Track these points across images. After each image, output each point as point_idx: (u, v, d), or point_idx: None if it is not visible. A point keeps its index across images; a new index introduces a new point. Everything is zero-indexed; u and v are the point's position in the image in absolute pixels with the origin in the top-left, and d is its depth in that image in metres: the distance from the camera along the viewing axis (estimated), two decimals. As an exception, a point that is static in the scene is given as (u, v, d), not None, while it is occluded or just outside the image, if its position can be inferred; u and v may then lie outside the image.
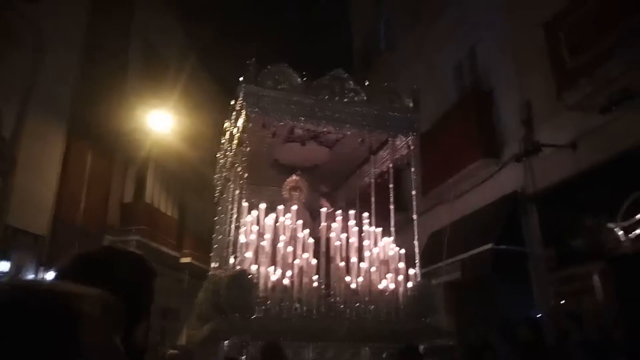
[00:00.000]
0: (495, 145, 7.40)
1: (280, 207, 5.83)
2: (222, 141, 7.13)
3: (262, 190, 7.31)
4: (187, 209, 16.23)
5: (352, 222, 5.74)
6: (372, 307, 5.01)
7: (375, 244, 5.61)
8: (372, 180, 6.81)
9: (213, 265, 6.86)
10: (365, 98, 5.71)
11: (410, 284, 5.22)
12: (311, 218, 6.29)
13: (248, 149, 5.41)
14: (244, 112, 5.38)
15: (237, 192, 5.50)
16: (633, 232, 4.94)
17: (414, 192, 5.72)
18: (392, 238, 5.79)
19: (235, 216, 5.44)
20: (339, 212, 5.91)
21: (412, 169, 5.79)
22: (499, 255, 6.41)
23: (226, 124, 6.72)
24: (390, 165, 6.46)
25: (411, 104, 5.91)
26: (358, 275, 5.16)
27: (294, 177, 6.98)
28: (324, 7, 15.64)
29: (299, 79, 5.50)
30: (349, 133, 6.12)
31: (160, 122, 12.51)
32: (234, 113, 6.06)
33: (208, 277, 5.40)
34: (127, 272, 0.99)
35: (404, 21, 11.14)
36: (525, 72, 6.79)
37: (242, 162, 5.40)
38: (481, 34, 8.22)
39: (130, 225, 12.43)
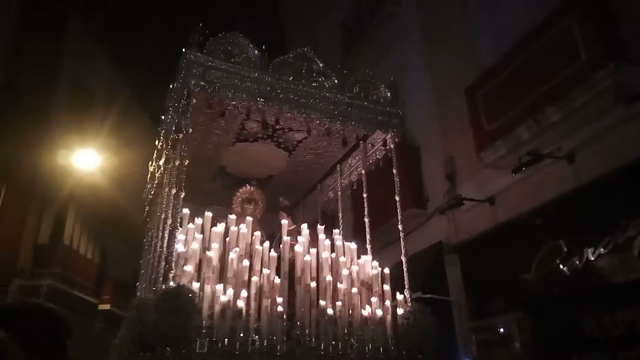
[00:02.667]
0: (422, 197, 7.59)
1: (232, 216, 4.55)
2: (157, 143, 5.79)
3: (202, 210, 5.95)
4: (110, 253, 14.79)
5: (322, 236, 4.54)
6: (355, 339, 3.74)
7: (353, 262, 4.41)
8: (339, 191, 5.72)
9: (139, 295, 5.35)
10: (336, 82, 4.68)
11: (400, 311, 4.02)
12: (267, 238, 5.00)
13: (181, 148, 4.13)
14: (185, 91, 4.16)
15: (174, 191, 4.15)
16: (544, 283, 5.29)
17: (397, 198, 4.63)
18: (370, 256, 4.63)
19: (170, 222, 4.08)
20: (304, 225, 4.70)
21: (395, 171, 4.73)
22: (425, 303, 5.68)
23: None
24: (363, 171, 5.39)
25: (389, 96, 4.92)
26: (335, 299, 3.91)
27: (247, 187, 5.73)
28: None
29: (256, 52, 4.40)
30: (313, 130, 5.04)
31: (86, 160, 11.62)
32: (170, 106, 4.84)
33: (131, 303, 3.96)
34: (37, 330, 0.96)
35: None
36: (449, 131, 7.31)
37: (183, 158, 4.09)
38: (410, 92, 8.07)
39: (44, 268, 11.47)
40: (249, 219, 4.47)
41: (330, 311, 3.71)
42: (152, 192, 5.96)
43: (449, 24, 7.70)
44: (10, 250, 10.79)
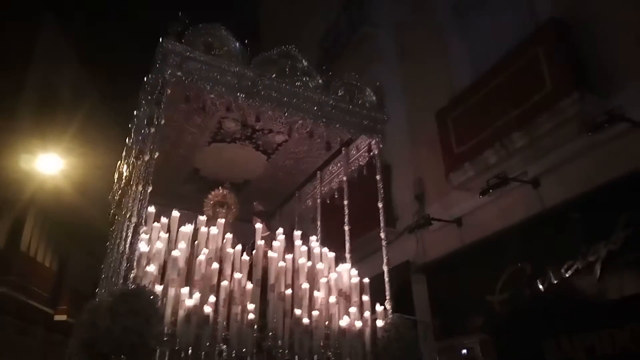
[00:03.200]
0: (392, 215, 7.35)
1: (202, 217, 4.25)
2: (127, 141, 5.46)
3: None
4: (70, 262, 14.14)
5: (298, 243, 4.27)
6: (331, 352, 3.45)
7: (330, 270, 4.15)
8: (318, 198, 5.49)
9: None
10: (320, 82, 4.47)
11: (380, 323, 3.76)
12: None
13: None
14: (160, 81, 3.89)
15: (141, 187, 3.84)
16: (508, 305, 5.34)
17: (380, 205, 4.41)
18: (348, 265, 4.38)
19: (134, 220, 3.76)
20: (279, 230, 4.42)
21: (378, 177, 4.52)
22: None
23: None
24: (344, 178, 5.17)
25: (374, 100, 4.74)
26: (311, 309, 3.63)
27: (220, 190, 5.43)
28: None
29: (238, 45, 4.17)
30: (295, 132, 4.81)
31: (49, 165, 11.15)
32: (143, 99, 4.55)
33: (84, 307, 3.59)
34: None
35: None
36: (420, 152, 7.37)
37: (153, 151, 3.78)
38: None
39: None
40: (221, 221, 4.18)
41: (306, 321, 3.42)
42: (118, 193, 5.61)
43: (425, 47, 7.80)
44: None
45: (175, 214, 4.16)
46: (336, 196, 5.40)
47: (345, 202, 4.99)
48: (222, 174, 5.67)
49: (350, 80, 4.71)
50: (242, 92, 4.08)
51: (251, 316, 3.32)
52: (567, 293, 4.73)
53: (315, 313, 3.55)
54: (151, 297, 2.91)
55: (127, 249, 3.61)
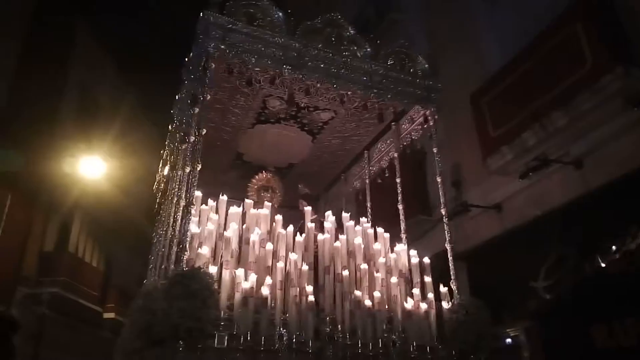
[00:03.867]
0: (428, 204, 7.03)
1: (249, 201, 4.06)
2: (170, 127, 5.34)
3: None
4: (115, 261, 14.62)
5: (350, 223, 4.03)
6: (396, 336, 3.20)
7: (387, 251, 3.89)
8: (367, 179, 5.23)
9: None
10: (369, 51, 4.19)
11: (446, 305, 3.48)
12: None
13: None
14: (204, 55, 3.70)
15: (188, 169, 3.67)
16: (553, 290, 5.05)
17: (439, 179, 4.11)
18: (404, 245, 4.11)
19: (183, 203, 3.60)
20: (328, 212, 4.18)
21: (435, 150, 4.22)
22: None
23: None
24: (396, 155, 4.89)
25: (427, 68, 4.43)
26: (371, 289, 3.38)
27: (264, 174, 5.25)
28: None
29: (281, 15, 3.93)
30: (342, 109, 4.58)
31: (92, 168, 11.62)
32: (185, 79, 4.40)
33: (138, 291, 3.47)
34: None
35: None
36: (455, 137, 6.87)
37: (200, 129, 3.60)
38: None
39: (49, 276, 11.22)
40: (268, 204, 3.98)
41: (367, 303, 3.17)
42: (163, 182, 5.50)
43: (454, 30, 7.43)
44: (15, 258, 10.54)
45: (223, 197, 3.99)
46: (387, 175, 5.11)
47: (398, 180, 4.72)
48: (266, 158, 5.49)
49: (400, 47, 4.40)
50: (288, 65, 3.84)
51: (311, 298, 3.09)
52: (617, 277, 4.43)
53: (376, 294, 3.29)
54: (207, 278, 2.72)
55: (177, 232, 3.46)
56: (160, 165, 5.75)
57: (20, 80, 10.59)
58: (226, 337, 2.78)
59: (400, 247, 3.92)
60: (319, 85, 4.02)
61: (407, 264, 3.78)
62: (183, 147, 4.35)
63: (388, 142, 5.12)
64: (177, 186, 4.22)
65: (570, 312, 4.83)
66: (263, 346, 2.83)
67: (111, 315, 12.94)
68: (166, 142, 5.44)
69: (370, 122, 4.92)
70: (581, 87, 4.82)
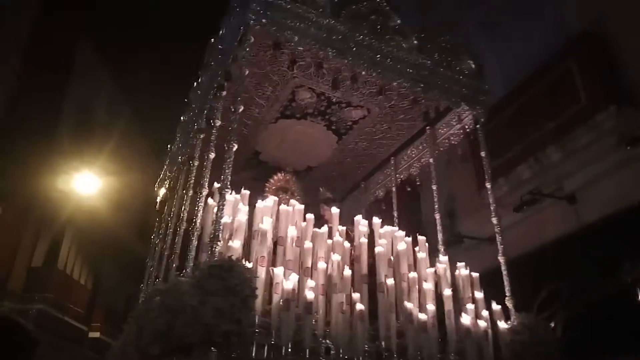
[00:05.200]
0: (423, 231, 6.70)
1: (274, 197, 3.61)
2: (182, 118, 4.91)
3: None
4: (104, 280, 14.30)
5: (388, 228, 3.60)
6: (453, 356, 2.74)
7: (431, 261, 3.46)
8: (393, 187, 4.83)
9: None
10: (415, 43, 3.84)
11: (503, 324, 3.04)
12: None
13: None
14: (241, 31, 3.30)
15: (213, 155, 3.25)
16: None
17: (488, 185, 3.73)
18: (446, 257, 3.68)
19: (205, 192, 3.16)
20: (358, 217, 3.74)
21: (483, 154, 3.86)
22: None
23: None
24: (431, 160, 4.51)
25: (473, 68, 4.09)
26: (421, 302, 2.94)
27: (282, 174, 4.82)
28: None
29: (326, -3, 3.56)
30: (375, 107, 4.22)
31: (85, 184, 11.47)
32: (211, 61, 4.01)
33: (149, 291, 2.98)
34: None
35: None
36: (451, 167, 6.56)
37: (238, 103, 3.16)
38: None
39: (36, 292, 10.98)
40: (294, 202, 3.53)
41: (422, 316, 2.72)
42: (169, 177, 5.03)
43: None
44: (2, 272, 10.19)
45: (245, 191, 3.54)
46: (418, 183, 4.73)
47: (434, 187, 4.31)
48: (284, 159, 5.07)
49: (445, 43, 4.06)
50: (332, 48, 3.45)
51: (359, 307, 2.63)
52: (608, 314, 4.37)
53: (430, 307, 2.85)
54: (248, 273, 2.25)
55: (198, 223, 3.00)
56: (167, 160, 5.30)
57: (19, 92, 10.40)
58: (266, 347, 2.28)
59: (443, 259, 3.48)
60: (363, 73, 3.61)
61: (454, 277, 3.34)
62: (202, 136, 3.92)
63: (420, 147, 4.74)
64: (193, 177, 3.80)
65: (565, 347, 4.54)
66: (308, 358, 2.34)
67: (96, 334, 12.56)
68: (177, 136, 5.01)
69: (404, 124, 4.57)
70: (576, 123, 4.97)
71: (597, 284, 4.50)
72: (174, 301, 2.30)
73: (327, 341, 2.48)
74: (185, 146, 4.43)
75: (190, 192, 3.78)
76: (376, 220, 3.68)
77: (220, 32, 3.81)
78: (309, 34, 3.41)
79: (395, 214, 4.72)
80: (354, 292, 2.75)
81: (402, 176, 4.92)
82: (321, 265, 2.77)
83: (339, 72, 3.60)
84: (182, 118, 4.93)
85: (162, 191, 5.29)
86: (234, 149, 2.87)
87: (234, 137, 2.89)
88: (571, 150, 5.07)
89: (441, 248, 3.94)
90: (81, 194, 11.40)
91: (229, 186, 2.76)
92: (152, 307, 2.47)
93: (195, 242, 2.96)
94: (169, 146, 5.34)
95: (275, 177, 4.82)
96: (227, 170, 2.77)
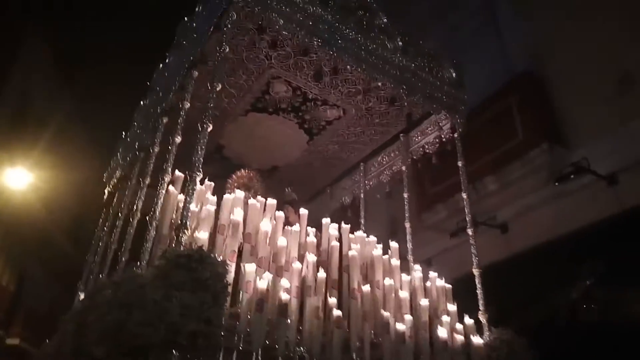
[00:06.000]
0: None
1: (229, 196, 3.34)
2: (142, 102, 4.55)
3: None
4: (28, 281, 13.00)
5: (361, 233, 3.41)
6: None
7: (403, 269, 3.29)
8: (361, 193, 4.67)
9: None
10: (401, 45, 3.72)
11: (477, 339, 2.90)
12: None
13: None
14: (222, 9, 3.05)
15: (178, 140, 2.97)
16: None
17: (464, 195, 3.63)
18: (418, 266, 3.53)
19: (168, 179, 2.86)
20: (326, 220, 3.52)
21: (460, 164, 3.77)
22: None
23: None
24: (403, 168, 4.39)
25: (454, 77, 4.02)
26: (398, 311, 2.75)
27: (244, 171, 4.53)
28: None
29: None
30: (352, 108, 4.06)
31: (17, 179, 10.51)
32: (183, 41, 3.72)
33: (94, 286, 2.61)
34: None
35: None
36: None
37: (217, 82, 2.89)
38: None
39: None
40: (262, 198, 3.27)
41: (400, 327, 2.53)
42: (120, 166, 4.64)
43: None
44: None
45: (209, 182, 3.25)
46: (387, 190, 4.59)
47: (406, 195, 4.19)
48: (249, 156, 4.79)
49: (429, 49, 3.97)
50: (318, 37, 3.26)
51: (336, 313, 2.40)
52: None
53: (408, 318, 2.66)
54: (221, 266, 1.98)
55: (157, 212, 2.69)
56: (120, 150, 4.89)
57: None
58: (235, 353, 2.01)
59: (417, 267, 3.33)
60: (348, 67, 3.43)
61: (428, 287, 3.18)
62: (165, 120, 3.61)
63: (392, 155, 4.61)
64: (151, 165, 3.47)
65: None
66: (280, 370, 2.08)
67: (15, 341, 11.40)
68: (135, 122, 4.63)
69: (378, 129, 4.44)
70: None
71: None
72: (130, 295, 1.98)
73: (302, 348, 2.23)
74: (145, 132, 4.08)
75: (148, 180, 3.46)
76: (344, 225, 3.47)
77: (197, 9, 3.52)
78: (294, 20, 3.20)
79: (362, 221, 4.54)
80: (332, 295, 2.51)
81: (371, 183, 4.76)
82: (296, 265, 2.52)
83: (321, 64, 3.38)
84: (142, 102, 4.57)
85: (112, 182, 4.88)
86: (209, 129, 2.58)
87: (209, 117, 2.61)
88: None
89: (410, 257, 3.78)
90: (12, 188, 10.49)
91: (200, 169, 2.47)
92: (99, 301, 2.14)
93: (153, 233, 2.65)
94: (123, 133, 4.94)
95: (239, 174, 4.51)
96: (199, 152, 2.48)
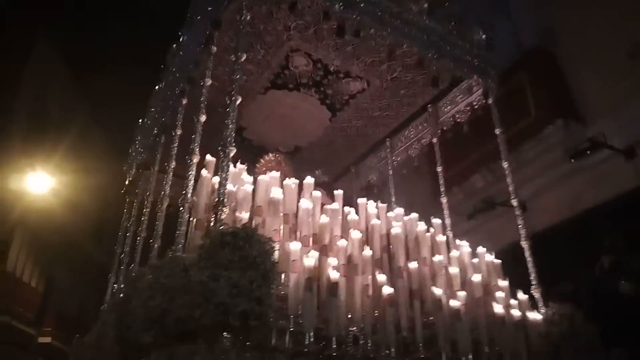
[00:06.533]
0: None
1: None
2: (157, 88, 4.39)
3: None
4: (55, 283, 13.40)
5: (399, 210, 3.21)
6: (488, 347, 2.39)
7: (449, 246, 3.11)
8: (390, 169, 4.48)
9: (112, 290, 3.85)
10: (426, 7, 3.49)
11: (535, 315, 2.72)
12: None
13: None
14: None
15: (203, 117, 2.80)
16: None
17: (505, 164, 3.42)
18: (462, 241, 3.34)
19: (196, 160, 2.69)
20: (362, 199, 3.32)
21: (498, 131, 3.56)
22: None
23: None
24: (434, 140, 4.18)
25: (483, 40, 3.79)
26: (451, 287, 2.57)
27: (272, 155, 4.36)
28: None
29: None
30: (376, 79, 3.85)
31: (38, 183, 10.73)
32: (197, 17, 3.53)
33: (137, 271, 2.46)
34: None
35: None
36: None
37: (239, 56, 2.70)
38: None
39: None
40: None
41: (454, 303, 2.35)
42: (141, 153, 4.49)
43: None
44: None
45: (243, 165, 3.07)
46: (415, 164, 4.40)
47: (439, 169, 3.99)
48: (271, 137, 4.61)
49: (455, 12, 3.74)
50: (340, 1, 3.04)
51: (387, 290, 2.23)
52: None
53: (461, 294, 2.48)
54: (268, 243, 1.81)
55: (189, 195, 2.53)
56: (138, 137, 4.74)
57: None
58: (287, 334, 1.84)
59: (462, 243, 3.14)
60: (372, 31, 3.20)
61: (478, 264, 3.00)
62: (184, 102, 3.44)
63: (420, 127, 4.40)
64: (175, 149, 3.31)
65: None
66: (335, 351, 1.91)
67: (47, 339, 11.63)
68: (152, 109, 4.47)
69: (404, 100, 4.22)
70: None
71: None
72: (173, 279, 1.83)
73: (355, 329, 2.06)
74: (164, 115, 3.91)
75: (173, 164, 3.30)
76: (380, 204, 3.28)
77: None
78: (314, -19, 2.99)
79: (393, 199, 4.35)
80: (381, 273, 2.33)
81: (399, 158, 4.56)
82: (341, 243, 2.35)
83: (344, 22, 3.14)
84: (156, 87, 4.40)
85: (132, 171, 4.74)
86: (238, 101, 2.40)
87: (238, 89, 2.43)
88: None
89: (449, 234, 3.59)
90: (34, 193, 10.69)
91: (233, 144, 2.29)
92: (141, 287, 1.98)
93: (186, 217, 2.49)
94: (140, 120, 4.79)
95: (267, 158, 4.35)
96: (230, 126, 2.30)
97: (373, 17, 3.21)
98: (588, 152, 4.54)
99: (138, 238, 3.66)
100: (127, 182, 4.75)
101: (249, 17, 2.74)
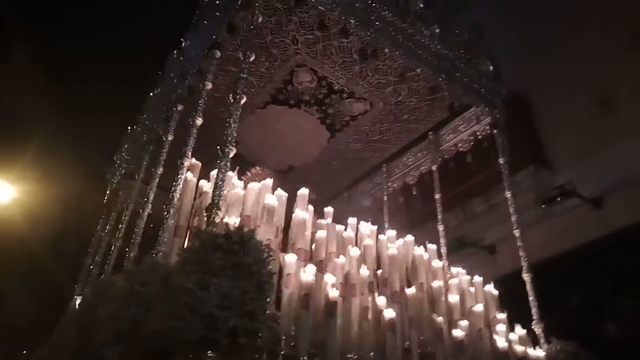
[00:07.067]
0: None
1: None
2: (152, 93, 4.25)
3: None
4: (4, 297, 12.60)
5: (391, 233, 3.06)
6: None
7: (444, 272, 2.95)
8: (385, 195, 4.35)
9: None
10: (438, 32, 3.45)
11: (537, 352, 2.55)
12: None
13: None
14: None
15: (199, 121, 2.68)
16: None
17: (508, 194, 3.32)
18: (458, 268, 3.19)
19: (187, 163, 2.55)
20: (352, 219, 3.17)
21: (501, 161, 3.46)
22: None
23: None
24: (434, 167, 4.08)
25: (490, 69, 3.75)
26: (451, 316, 2.40)
27: (259, 169, 4.22)
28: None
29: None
30: (380, 102, 3.78)
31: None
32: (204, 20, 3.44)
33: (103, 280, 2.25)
34: None
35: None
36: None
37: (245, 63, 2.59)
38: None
39: None
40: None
41: (457, 333, 2.18)
42: (127, 159, 4.32)
43: None
44: None
45: (230, 172, 2.92)
46: (414, 193, 4.28)
47: (437, 197, 3.87)
48: (265, 154, 4.46)
49: (464, 39, 3.70)
50: (356, 17, 2.98)
51: (388, 314, 2.05)
52: None
53: (463, 323, 2.31)
54: (264, 250, 1.64)
55: (176, 195, 2.36)
56: (125, 146, 4.57)
57: None
58: (280, 357, 1.65)
59: (461, 270, 2.99)
60: (386, 50, 3.13)
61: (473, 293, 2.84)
62: (179, 108, 3.31)
63: (419, 154, 4.31)
64: (164, 154, 3.17)
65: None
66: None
67: None
68: (143, 115, 4.32)
69: (406, 126, 4.13)
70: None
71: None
72: (151, 286, 1.64)
73: (353, 355, 1.88)
74: (157, 122, 3.76)
75: (161, 170, 3.14)
76: (372, 226, 3.12)
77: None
78: (330, -5, 2.92)
79: (386, 225, 4.20)
80: (381, 294, 2.17)
81: (394, 185, 4.44)
82: (339, 260, 2.18)
83: (361, 45, 3.07)
84: (151, 94, 4.26)
85: (115, 178, 4.55)
86: (242, 101, 2.28)
87: (244, 88, 2.30)
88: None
89: (445, 262, 3.44)
90: None
91: (234, 144, 2.15)
92: (112, 296, 1.79)
93: (171, 222, 2.31)
94: (128, 128, 4.63)
95: (253, 171, 4.20)
96: (233, 125, 2.17)
97: (387, 36, 3.14)
98: (558, 199, 4.70)
99: (112, 247, 3.46)
100: (108, 191, 4.55)
101: (260, 19, 2.61)
